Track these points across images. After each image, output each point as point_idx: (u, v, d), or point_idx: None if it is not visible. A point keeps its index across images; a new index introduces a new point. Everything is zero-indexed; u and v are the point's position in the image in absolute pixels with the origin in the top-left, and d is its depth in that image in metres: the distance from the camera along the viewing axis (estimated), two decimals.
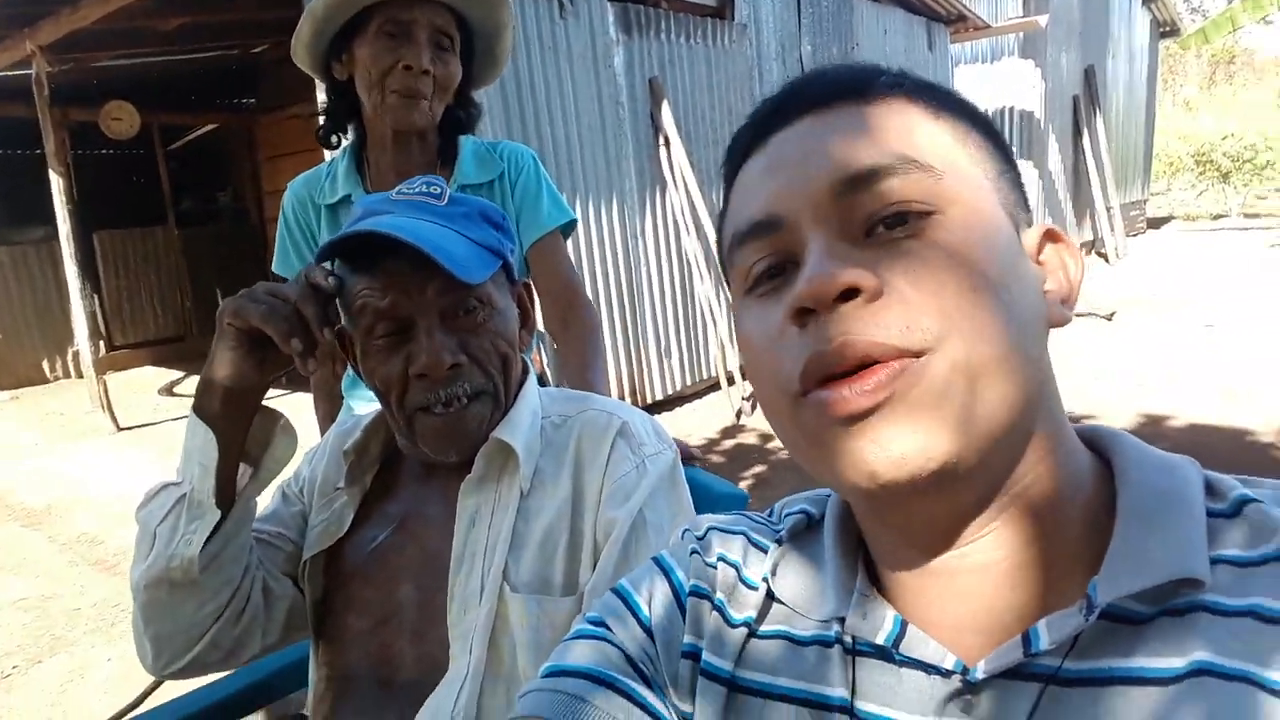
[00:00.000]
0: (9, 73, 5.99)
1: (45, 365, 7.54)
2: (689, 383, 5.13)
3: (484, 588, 0.85)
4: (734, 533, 0.57)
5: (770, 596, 0.52)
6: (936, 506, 0.43)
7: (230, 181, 9.01)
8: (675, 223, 4.90)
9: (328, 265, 0.87)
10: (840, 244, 0.43)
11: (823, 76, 0.48)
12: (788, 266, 0.45)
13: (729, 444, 4.32)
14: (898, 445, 0.40)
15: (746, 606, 0.53)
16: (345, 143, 1.50)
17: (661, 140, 4.74)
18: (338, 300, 0.87)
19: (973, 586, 0.44)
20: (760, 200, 0.46)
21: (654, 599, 0.55)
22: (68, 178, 5.84)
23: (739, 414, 4.73)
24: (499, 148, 1.50)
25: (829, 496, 0.54)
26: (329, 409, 1.56)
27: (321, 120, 1.49)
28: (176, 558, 0.83)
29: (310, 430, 1.62)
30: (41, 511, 4.04)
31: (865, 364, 0.41)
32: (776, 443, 4.07)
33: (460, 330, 0.86)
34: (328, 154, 1.55)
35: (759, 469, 3.90)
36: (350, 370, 1.51)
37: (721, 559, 0.55)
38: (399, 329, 0.85)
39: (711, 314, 5.07)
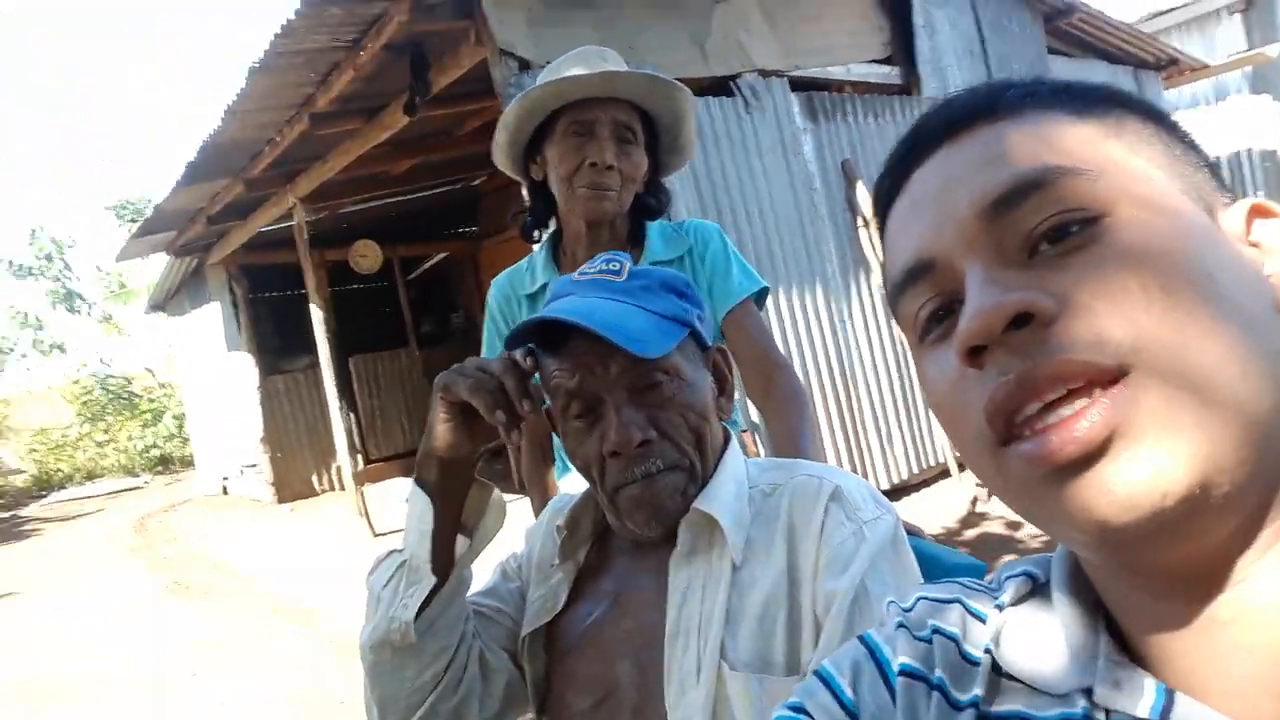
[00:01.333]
0: (276, 225, 6.95)
1: (314, 479, 8.42)
2: (915, 470, 4.87)
3: (701, 667, 0.81)
4: (947, 601, 0.50)
5: (996, 670, 0.45)
6: (1191, 545, 0.36)
7: (460, 303, 9.82)
8: (884, 303, 4.77)
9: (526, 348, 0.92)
10: (1000, 270, 0.39)
11: (950, 104, 0.45)
12: (955, 306, 0.41)
13: (970, 534, 4.02)
14: (1125, 485, 0.35)
15: (971, 684, 0.46)
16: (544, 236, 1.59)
17: (859, 221, 4.67)
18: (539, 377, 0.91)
19: (1258, 635, 0.36)
20: (908, 245, 0.44)
21: (859, 681, 0.50)
22: (326, 311, 6.60)
23: (974, 501, 4.41)
24: (684, 225, 1.54)
25: (1051, 558, 0.48)
26: (544, 503, 1.61)
27: (520, 218, 1.59)
28: (396, 621, 0.88)
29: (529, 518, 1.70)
30: (315, 613, 4.44)
31: (1055, 391, 0.36)
32: (1028, 530, 3.76)
33: (648, 405, 0.87)
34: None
35: (1009, 560, 3.59)
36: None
37: (936, 631, 0.49)
38: (590, 407, 0.88)
39: None
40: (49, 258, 15.81)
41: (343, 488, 8.14)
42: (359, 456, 7.62)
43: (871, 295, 4.75)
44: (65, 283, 16.03)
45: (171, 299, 10.14)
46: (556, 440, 1.58)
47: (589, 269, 0.94)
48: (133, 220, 13.95)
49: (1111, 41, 6.72)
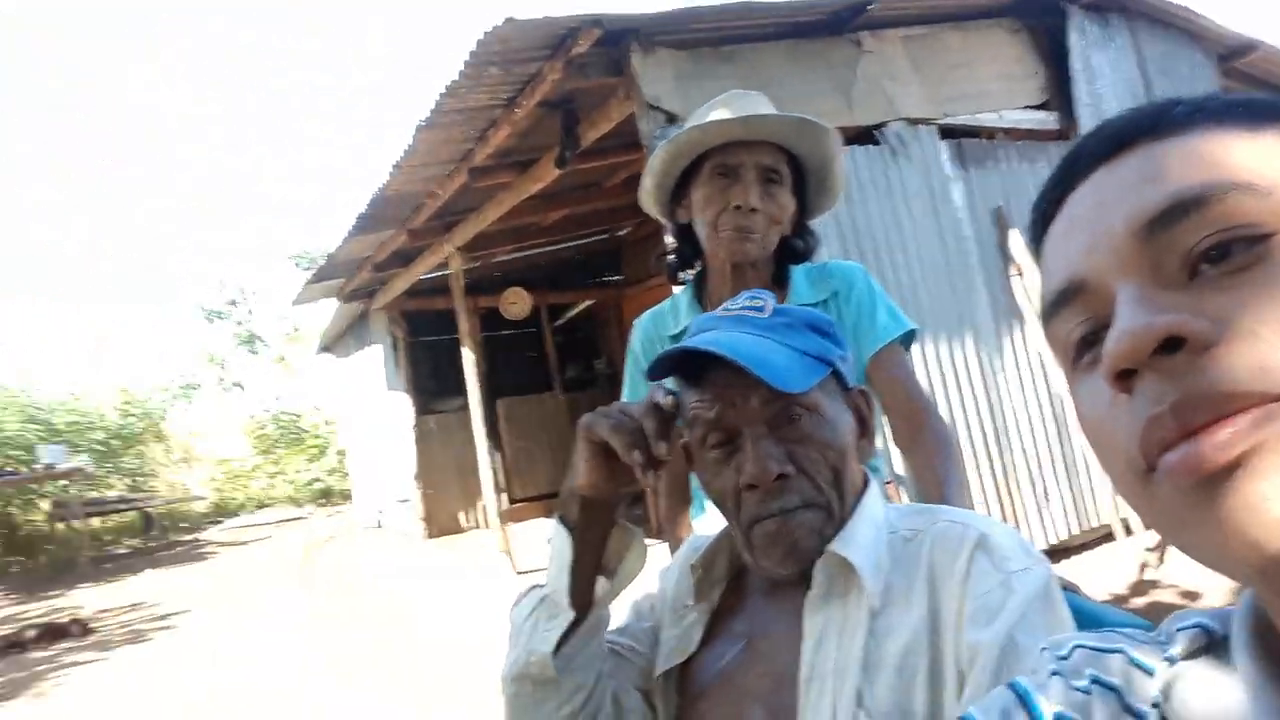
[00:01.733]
0: (434, 273, 7.35)
1: (462, 516, 8.73)
2: (1075, 531, 4.55)
3: (836, 713, 0.79)
4: (1108, 651, 0.47)
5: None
6: None
7: (604, 350, 10.03)
8: (1039, 355, 4.53)
9: (666, 384, 0.93)
10: (1154, 290, 0.37)
11: (1111, 123, 0.43)
12: (1107, 330, 0.39)
13: (1139, 603, 3.71)
14: (1277, 502, 0.32)
15: None
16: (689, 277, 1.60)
17: (1014, 271, 4.49)
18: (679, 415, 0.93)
19: None
20: (1061, 266, 0.42)
21: None
22: (478, 355, 6.89)
23: (1143, 567, 4.08)
24: (828, 267, 1.52)
25: (1233, 611, 0.43)
26: (679, 543, 1.62)
27: (669, 258, 1.60)
28: (535, 654, 0.89)
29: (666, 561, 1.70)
30: (459, 644, 4.58)
31: (1216, 419, 0.33)
32: (1208, 600, 3.46)
33: (787, 440, 0.86)
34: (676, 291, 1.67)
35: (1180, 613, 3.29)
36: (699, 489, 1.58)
37: (1095, 681, 0.46)
38: (728, 439, 0.88)
39: None
40: (234, 303, 17.34)
41: (488, 525, 8.39)
42: (504, 496, 7.85)
43: (1025, 347, 4.52)
44: (248, 326, 17.51)
45: (339, 341, 10.87)
46: (695, 482, 1.58)
47: (732, 305, 0.95)
48: (308, 268, 15.14)
49: None
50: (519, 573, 6.07)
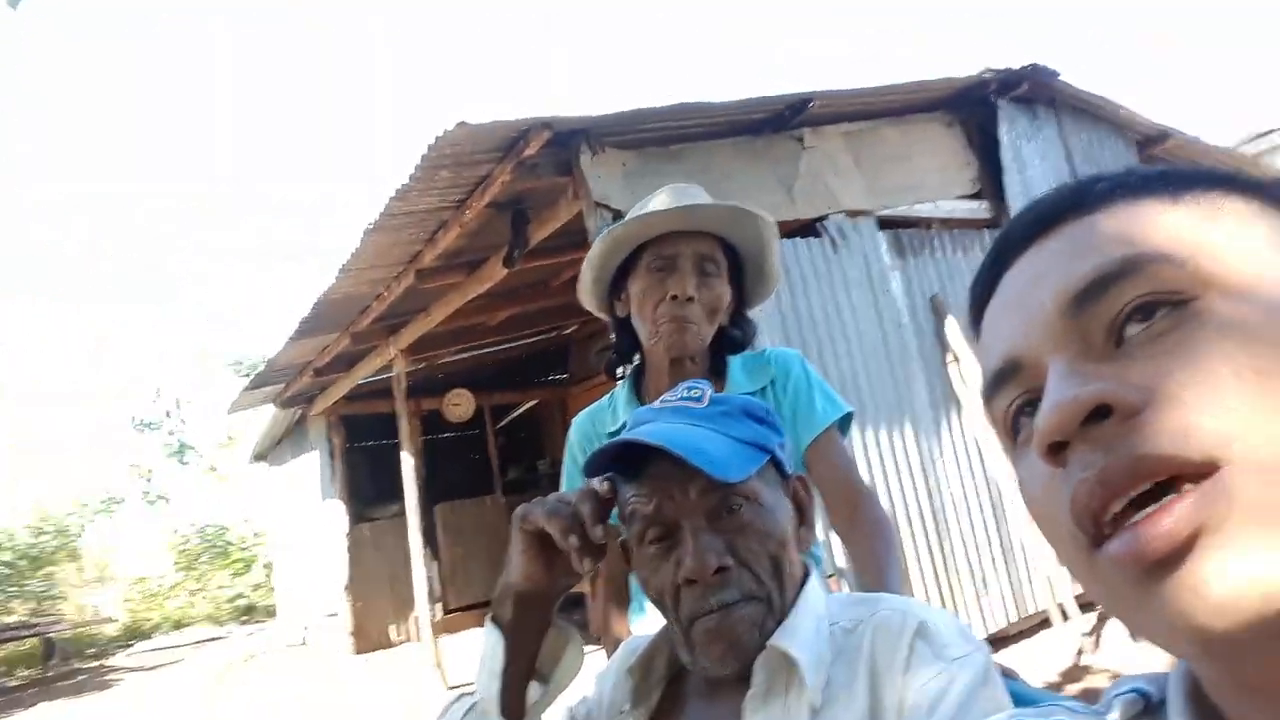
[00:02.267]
0: (376, 376, 7.25)
1: (392, 630, 8.34)
2: (1013, 619, 4.56)
3: None
4: (1074, 714, 0.46)
5: None
6: None
7: (547, 451, 9.92)
8: (976, 441, 4.63)
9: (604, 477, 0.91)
10: (1082, 363, 0.38)
11: (1038, 203, 0.44)
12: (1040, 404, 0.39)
13: (1074, 688, 3.70)
14: (1219, 585, 0.32)
15: None
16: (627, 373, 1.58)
17: (950, 358, 4.63)
18: (616, 510, 0.90)
19: None
20: (997, 347, 0.43)
21: None
22: (417, 459, 6.74)
23: (1079, 652, 4.09)
24: (765, 355, 1.52)
25: (1169, 675, 0.43)
26: (614, 647, 1.56)
27: (609, 354, 1.57)
28: None
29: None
30: None
31: (1138, 487, 0.34)
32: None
33: (726, 531, 0.84)
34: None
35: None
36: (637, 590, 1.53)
37: None
38: (667, 534, 0.86)
39: (1033, 534, 4.58)
40: (168, 413, 16.77)
41: (419, 638, 8.03)
42: (439, 606, 7.55)
43: (963, 433, 4.62)
44: (179, 436, 16.89)
45: (274, 449, 10.54)
46: (634, 582, 1.54)
47: (670, 397, 0.94)
48: (245, 375, 14.81)
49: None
50: (450, 688, 5.79)
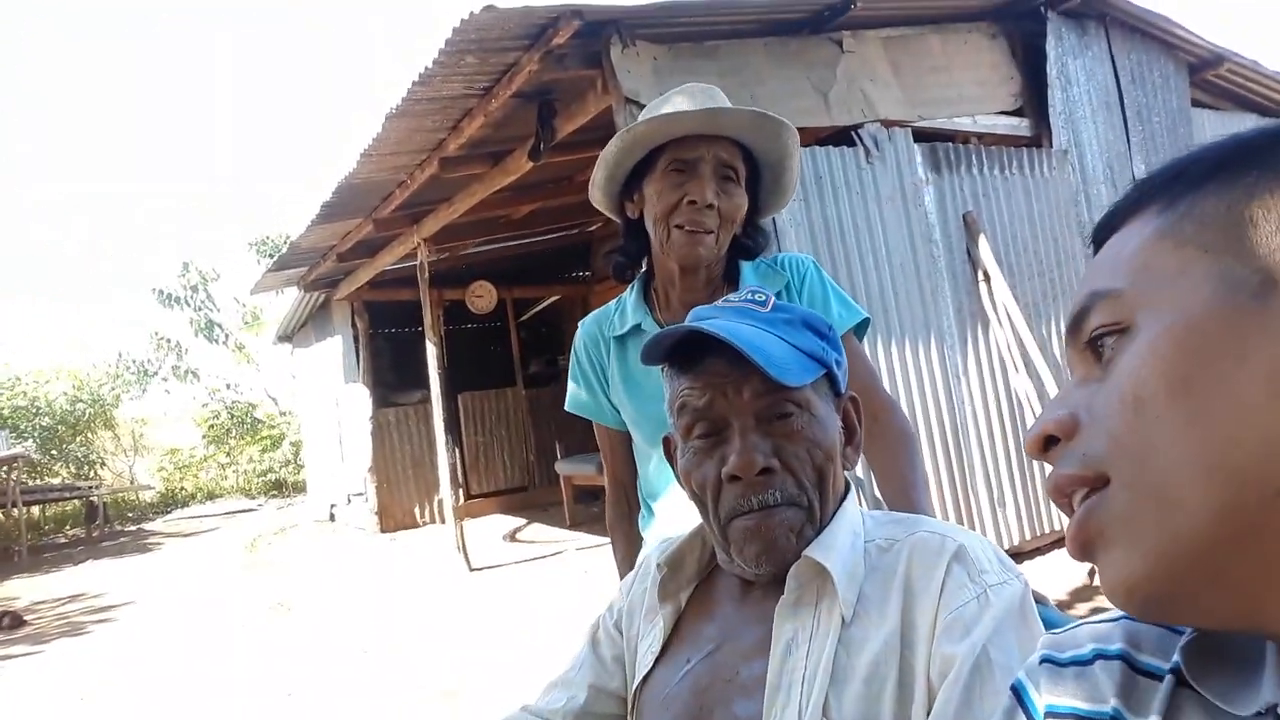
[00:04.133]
0: (400, 264, 7.25)
1: (416, 511, 8.62)
2: (1028, 536, 4.61)
3: None
4: (1112, 620, 0.48)
5: (1181, 681, 0.42)
6: (1227, 601, 0.38)
7: (567, 346, 9.96)
8: (1001, 360, 4.58)
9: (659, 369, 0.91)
10: (1077, 384, 0.44)
11: (1120, 200, 0.48)
12: None
13: (1082, 608, 3.78)
14: (1108, 582, 0.40)
15: (1148, 707, 0.43)
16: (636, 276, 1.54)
17: (980, 275, 4.53)
18: (665, 401, 0.91)
19: None
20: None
21: None
22: (440, 348, 6.80)
23: (1091, 573, 4.14)
24: (779, 260, 1.48)
25: None
26: (627, 551, 1.57)
27: (616, 257, 1.53)
28: None
29: (609, 573, 1.66)
30: (407, 643, 4.50)
31: (1065, 498, 0.42)
32: None
33: (775, 435, 0.85)
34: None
35: None
36: (646, 482, 1.52)
37: (1099, 654, 0.46)
38: (715, 430, 0.86)
39: None
40: (195, 289, 16.91)
41: (443, 521, 8.29)
42: (460, 491, 7.75)
43: (989, 351, 4.57)
44: (208, 313, 17.09)
45: (298, 331, 10.67)
46: (641, 487, 1.55)
47: (733, 298, 0.93)
48: (270, 256, 14.86)
49: (1267, 94, 6.34)
50: (473, 569, 6.00)
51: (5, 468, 10.89)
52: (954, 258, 4.50)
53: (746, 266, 1.46)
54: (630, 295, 1.51)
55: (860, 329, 1.47)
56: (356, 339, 8.68)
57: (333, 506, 9.95)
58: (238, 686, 4.05)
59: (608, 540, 1.65)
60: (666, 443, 0.97)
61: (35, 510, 12.11)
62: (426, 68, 3.80)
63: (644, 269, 1.51)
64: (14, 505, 10.78)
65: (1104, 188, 5.18)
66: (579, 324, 1.58)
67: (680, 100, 1.37)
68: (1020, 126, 4.94)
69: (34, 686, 4.50)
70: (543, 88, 4.15)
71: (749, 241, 1.46)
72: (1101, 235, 0.46)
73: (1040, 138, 4.97)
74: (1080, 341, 0.43)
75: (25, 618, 6.31)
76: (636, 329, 1.46)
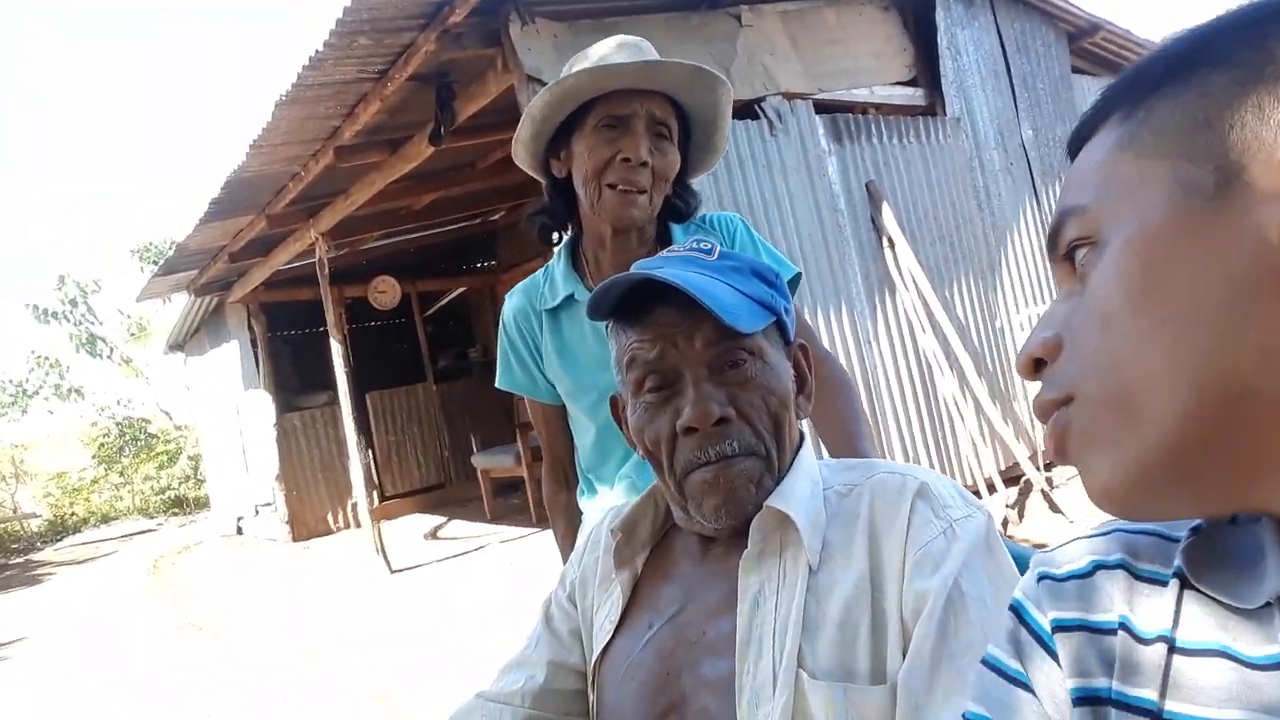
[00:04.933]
0: (297, 262, 6.98)
1: (330, 517, 8.35)
2: None
3: (777, 676, 0.74)
4: (1103, 534, 0.47)
5: (1186, 585, 0.42)
6: (1208, 496, 0.39)
7: (478, 338, 9.82)
8: (909, 323, 4.71)
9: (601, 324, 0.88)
10: (1062, 299, 0.44)
11: (1099, 100, 0.45)
12: None
13: None
14: (1088, 487, 0.41)
15: (1156, 613, 0.42)
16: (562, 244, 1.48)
17: (885, 242, 4.64)
18: (613, 359, 0.88)
19: None
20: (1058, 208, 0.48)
21: (1022, 653, 0.47)
22: (345, 346, 6.57)
23: (1005, 523, 4.31)
24: (707, 219, 1.45)
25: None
26: (568, 527, 1.52)
27: (540, 219, 1.45)
28: None
29: (550, 554, 1.61)
30: (331, 652, 4.34)
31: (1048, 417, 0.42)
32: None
33: (729, 384, 0.83)
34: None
35: None
36: (585, 456, 1.47)
37: (1099, 565, 0.45)
38: (667, 382, 0.84)
39: (959, 411, 4.74)
40: (74, 302, 15.92)
41: (358, 525, 8.05)
42: (375, 493, 7.54)
43: (897, 315, 4.70)
44: (89, 326, 16.12)
45: (190, 339, 10.17)
46: (580, 462, 1.50)
47: (678, 247, 0.91)
48: (155, 263, 14.09)
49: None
50: (394, 571, 5.85)
51: None
52: (859, 226, 4.60)
53: (676, 230, 1.42)
54: (558, 264, 1.44)
55: (793, 284, 1.44)
56: (254, 343, 8.32)
57: (240, 519, 9.55)
58: (151, 715, 3.84)
59: (531, 531, 1.60)
60: (614, 403, 0.94)
61: None
62: (317, 51, 3.64)
63: (570, 233, 1.45)
64: None
65: (995, 153, 5.39)
66: (505, 297, 1.51)
67: (609, 52, 1.30)
68: (915, 96, 5.08)
69: None
70: (440, 69, 4.03)
71: (679, 202, 1.41)
72: (1075, 147, 0.45)
73: (934, 106, 5.13)
74: (1059, 256, 0.43)
75: None
76: (569, 299, 1.40)
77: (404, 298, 8.58)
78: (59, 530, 14.34)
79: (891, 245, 4.61)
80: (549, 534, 1.58)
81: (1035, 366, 0.43)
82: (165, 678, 4.36)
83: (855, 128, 4.67)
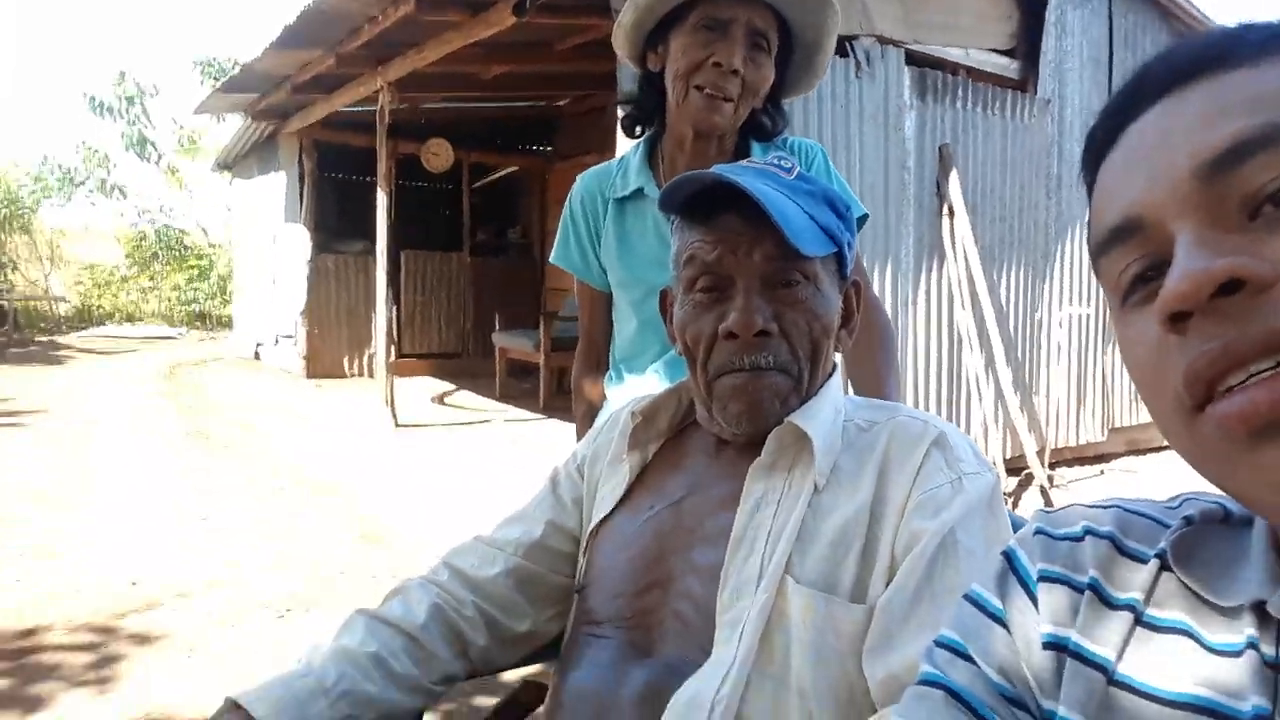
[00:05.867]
0: (356, 107, 6.95)
1: (345, 362, 8.53)
2: None
3: (762, 575, 0.78)
4: (1103, 507, 0.50)
5: (1165, 568, 0.44)
6: None
7: (520, 219, 9.81)
8: (950, 295, 4.68)
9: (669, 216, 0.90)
10: (1214, 233, 0.36)
11: (1176, 51, 0.41)
12: (1163, 269, 0.38)
13: None
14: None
15: (1131, 582, 0.45)
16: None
17: (945, 209, 4.58)
18: (672, 254, 0.90)
19: None
20: (1117, 203, 0.41)
21: (1005, 590, 0.50)
22: (390, 200, 6.60)
23: (1015, 504, 4.36)
24: (788, 143, 1.44)
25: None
26: (589, 408, 1.57)
27: (625, 109, 1.47)
28: None
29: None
30: (329, 486, 4.52)
31: (1261, 363, 0.34)
32: None
33: (778, 301, 0.84)
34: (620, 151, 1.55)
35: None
36: (620, 346, 1.51)
37: (1089, 531, 0.48)
38: (719, 285, 0.86)
39: (979, 390, 4.76)
40: (130, 100, 15.93)
41: (371, 375, 8.24)
42: (393, 348, 7.70)
43: (940, 285, 4.66)
44: (141, 128, 16.17)
45: (239, 161, 10.21)
46: (615, 350, 1.54)
47: (757, 160, 0.91)
48: (215, 79, 14.03)
49: None
50: (399, 426, 6.01)
51: None
52: (923, 188, 4.53)
53: (756, 146, 1.42)
54: (634, 157, 1.46)
55: (859, 224, 1.46)
56: (302, 178, 8.36)
57: (259, 345, 9.77)
58: (151, 506, 4.04)
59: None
60: (664, 296, 0.97)
61: None
62: None
63: (652, 129, 1.46)
64: None
65: (1077, 145, 5.22)
66: (578, 178, 1.53)
67: None
68: (1009, 68, 4.92)
69: None
70: None
71: (767, 120, 1.40)
72: (1190, 71, 0.40)
73: (1026, 82, 4.97)
74: (1232, 181, 0.36)
75: None
76: (638, 192, 1.42)
77: (455, 164, 8.55)
78: (84, 319, 14.72)
79: (950, 214, 4.54)
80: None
81: (1219, 291, 0.35)
82: (168, 476, 4.56)
83: (941, 86, 4.55)
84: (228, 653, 2.55)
